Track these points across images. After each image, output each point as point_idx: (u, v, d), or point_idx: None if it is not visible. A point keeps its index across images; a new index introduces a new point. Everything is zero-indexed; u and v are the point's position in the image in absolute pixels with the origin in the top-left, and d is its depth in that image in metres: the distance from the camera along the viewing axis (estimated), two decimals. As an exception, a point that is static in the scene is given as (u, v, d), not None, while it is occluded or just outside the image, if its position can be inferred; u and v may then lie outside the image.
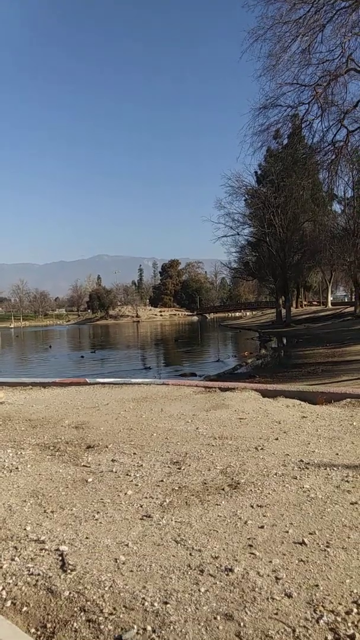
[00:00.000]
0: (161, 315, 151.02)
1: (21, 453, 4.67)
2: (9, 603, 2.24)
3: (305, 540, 2.70)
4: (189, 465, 4.09)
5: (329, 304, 70.78)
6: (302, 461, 4.08)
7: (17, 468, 4.22)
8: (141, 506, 3.28)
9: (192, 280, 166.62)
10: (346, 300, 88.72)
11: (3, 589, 2.34)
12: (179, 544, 2.71)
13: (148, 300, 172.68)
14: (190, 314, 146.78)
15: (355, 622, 2.01)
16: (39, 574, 2.44)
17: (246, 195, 53.73)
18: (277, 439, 4.85)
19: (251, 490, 3.49)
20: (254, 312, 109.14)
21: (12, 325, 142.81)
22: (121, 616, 2.10)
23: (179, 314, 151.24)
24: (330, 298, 74.18)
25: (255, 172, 55.57)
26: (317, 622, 2.02)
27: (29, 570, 2.48)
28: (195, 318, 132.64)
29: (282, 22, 18.83)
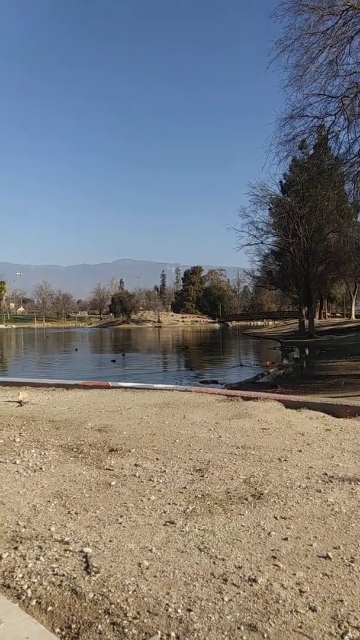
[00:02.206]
0: (183, 321, 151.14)
1: (45, 454, 4.72)
2: (34, 602, 2.26)
3: (330, 554, 2.68)
4: (212, 474, 4.09)
5: (353, 316, 70.16)
6: (326, 474, 4.05)
7: (41, 468, 4.26)
8: (164, 512, 3.29)
9: (214, 287, 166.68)
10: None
11: (28, 587, 2.36)
12: (203, 552, 2.71)
13: (170, 306, 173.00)
14: (212, 321, 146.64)
15: (381, 640, 1.99)
16: (63, 575, 2.47)
17: (270, 205, 53.55)
18: (300, 450, 4.82)
19: (275, 501, 3.47)
20: (276, 322, 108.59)
21: (35, 326, 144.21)
22: (145, 621, 2.11)
23: (200, 321, 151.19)
24: (354, 310, 73.48)
25: (280, 182, 55.36)
26: (342, 637, 2.01)
27: (53, 571, 2.51)
28: (216, 325, 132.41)
29: (310, 33, 18.82)
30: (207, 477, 3.99)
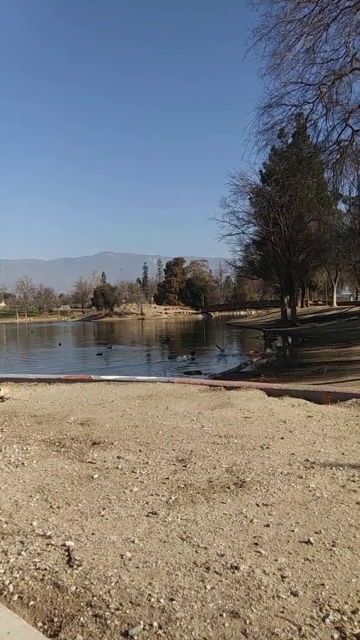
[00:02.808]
0: (166, 313, 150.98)
1: (27, 449, 4.69)
2: (16, 597, 2.25)
3: (311, 539, 2.70)
4: (195, 463, 4.09)
5: (335, 304, 70.68)
6: (308, 460, 4.08)
7: (22, 463, 4.24)
8: (147, 503, 3.29)
9: (196, 278, 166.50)
10: (352, 299, 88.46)
11: (10, 582, 2.35)
12: (185, 541, 2.72)
13: (153, 298, 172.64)
14: (195, 312, 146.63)
15: (362, 621, 2.01)
16: (45, 569, 2.46)
17: (251, 194, 53.61)
18: (282, 438, 4.85)
19: (257, 489, 3.49)
20: (258, 311, 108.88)
21: (17, 321, 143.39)
22: (127, 612, 2.11)
23: (183, 312, 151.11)
24: (335, 297, 74.05)
25: (260, 171, 55.43)
26: (323, 620, 2.03)
27: (35, 565, 2.50)
28: (200, 316, 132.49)
29: (287, 21, 18.81)
30: (189, 467, 4.00)
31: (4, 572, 2.44)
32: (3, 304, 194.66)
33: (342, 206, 50.61)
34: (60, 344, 47.92)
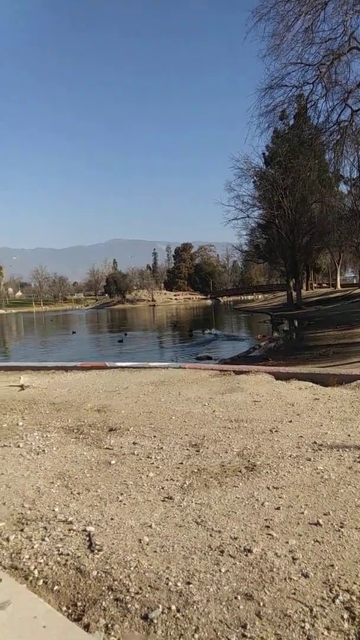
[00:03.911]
0: (176, 299, 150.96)
1: (47, 436, 4.81)
2: (41, 582, 2.36)
3: (320, 520, 2.79)
4: (207, 448, 4.20)
5: (338, 286, 70.31)
6: (316, 443, 4.17)
7: (43, 450, 4.36)
8: (162, 488, 3.40)
9: (204, 263, 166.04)
10: (355, 281, 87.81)
11: (35, 568, 2.46)
12: (200, 525, 2.82)
13: (163, 284, 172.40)
14: (204, 297, 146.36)
15: (371, 601, 2.10)
16: (68, 554, 2.57)
17: (255, 177, 53.34)
18: (290, 421, 4.94)
19: (267, 472, 3.59)
20: (265, 295, 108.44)
21: (34, 310, 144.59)
22: (147, 596, 2.21)
23: (193, 298, 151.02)
24: (339, 279, 73.67)
25: (263, 154, 55.11)
26: (334, 601, 2.11)
27: (58, 550, 2.61)
28: (209, 302, 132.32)
29: (285, 1, 18.67)
30: (202, 452, 4.11)
31: (29, 558, 2.56)
32: (20, 293, 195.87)
33: (343, 187, 50.19)
34: (74, 332, 48.47)
